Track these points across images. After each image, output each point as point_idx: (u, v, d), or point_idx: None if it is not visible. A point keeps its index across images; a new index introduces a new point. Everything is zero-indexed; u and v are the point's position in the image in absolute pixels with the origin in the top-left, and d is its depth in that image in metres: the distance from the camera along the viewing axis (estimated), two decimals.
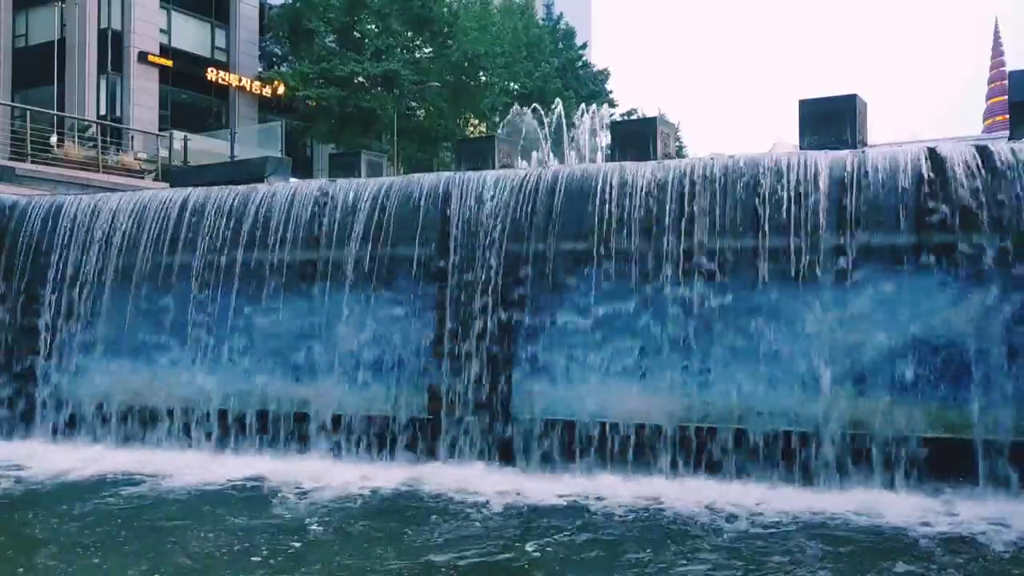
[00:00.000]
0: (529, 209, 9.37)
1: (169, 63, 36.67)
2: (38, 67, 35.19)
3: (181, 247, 10.78)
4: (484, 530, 7.02)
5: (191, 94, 38.28)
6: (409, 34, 38.69)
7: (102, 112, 34.52)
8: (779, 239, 8.39)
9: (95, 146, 23.46)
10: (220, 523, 7.29)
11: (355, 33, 37.06)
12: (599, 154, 27.27)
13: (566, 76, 46.36)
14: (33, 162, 20.29)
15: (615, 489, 8.06)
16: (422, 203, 9.85)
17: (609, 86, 51.90)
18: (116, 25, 35.57)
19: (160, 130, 31.41)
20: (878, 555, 6.25)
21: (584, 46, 53.23)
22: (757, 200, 8.52)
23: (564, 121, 27.70)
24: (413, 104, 38.78)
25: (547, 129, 27.11)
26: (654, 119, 11.26)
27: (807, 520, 7.09)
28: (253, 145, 31.97)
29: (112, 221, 11.23)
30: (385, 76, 35.58)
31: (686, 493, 7.85)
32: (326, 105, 35.48)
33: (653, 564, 6.14)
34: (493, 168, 10.80)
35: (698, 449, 8.39)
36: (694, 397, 8.51)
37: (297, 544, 6.66)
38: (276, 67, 40.77)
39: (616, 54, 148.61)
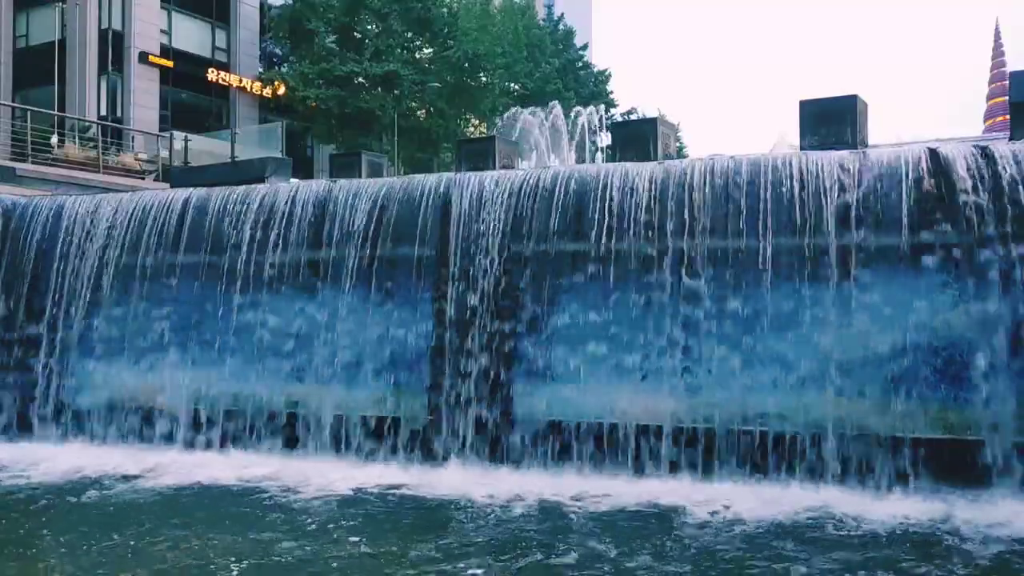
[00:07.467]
0: (529, 210, 9.38)
1: (170, 63, 36.68)
2: (38, 67, 35.18)
3: (182, 247, 10.80)
4: (481, 531, 7.01)
5: (191, 94, 38.29)
6: (409, 34, 38.64)
7: (102, 112, 34.53)
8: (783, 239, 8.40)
9: (95, 146, 23.47)
10: (211, 522, 7.32)
11: (355, 33, 37.03)
12: (599, 154, 27.25)
13: (566, 77, 46.30)
14: (34, 162, 20.32)
15: (618, 489, 8.03)
16: (422, 204, 9.86)
17: (609, 87, 51.85)
18: (116, 25, 35.58)
19: (160, 130, 31.40)
20: None
21: (584, 47, 53.16)
22: (759, 200, 8.52)
23: (564, 122, 27.64)
24: (413, 104, 38.73)
25: (546, 130, 27.07)
26: (654, 119, 11.25)
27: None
28: (253, 145, 31.89)
29: (113, 222, 11.24)
30: (385, 76, 35.57)
31: (690, 494, 7.81)
32: (326, 106, 35.48)
33: (659, 563, 6.15)
34: (493, 168, 10.80)
35: (703, 449, 8.37)
36: (695, 398, 8.50)
37: (290, 545, 6.64)
38: (276, 67, 40.77)
39: (616, 54, 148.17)
